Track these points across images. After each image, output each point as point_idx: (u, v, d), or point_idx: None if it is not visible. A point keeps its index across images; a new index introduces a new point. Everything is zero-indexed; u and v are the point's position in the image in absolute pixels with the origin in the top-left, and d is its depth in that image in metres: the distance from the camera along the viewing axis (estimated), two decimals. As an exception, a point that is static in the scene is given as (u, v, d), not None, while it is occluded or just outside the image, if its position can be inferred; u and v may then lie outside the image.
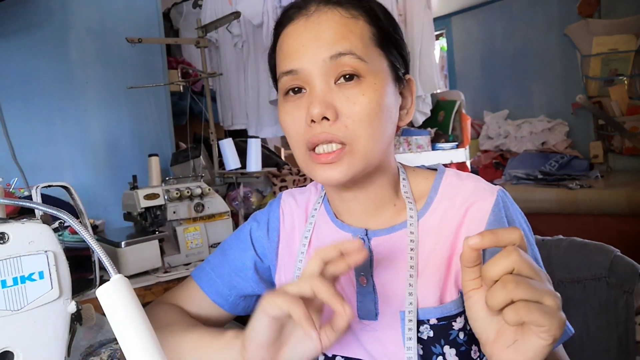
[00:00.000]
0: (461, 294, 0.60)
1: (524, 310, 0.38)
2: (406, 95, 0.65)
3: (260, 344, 0.52)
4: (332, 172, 0.57)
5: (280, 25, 0.62)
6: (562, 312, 0.40)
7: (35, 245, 0.39)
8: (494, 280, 0.40)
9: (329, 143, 0.56)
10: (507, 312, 0.39)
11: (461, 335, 0.59)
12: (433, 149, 3.04)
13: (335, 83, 0.57)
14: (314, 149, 0.58)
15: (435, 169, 0.68)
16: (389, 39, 0.61)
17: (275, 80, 0.65)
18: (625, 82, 3.00)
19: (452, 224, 0.61)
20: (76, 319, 0.42)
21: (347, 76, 0.56)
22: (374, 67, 0.57)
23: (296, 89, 0.59)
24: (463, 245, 0.42)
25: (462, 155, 3.15)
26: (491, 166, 3.65)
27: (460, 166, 3.18)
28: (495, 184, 0.65)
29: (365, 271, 0.63)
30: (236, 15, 1.97)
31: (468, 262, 0.43)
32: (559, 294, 0.40)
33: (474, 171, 3.67)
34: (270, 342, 0.52)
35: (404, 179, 0.67)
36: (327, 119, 0.56)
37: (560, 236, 0.92)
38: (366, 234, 0.64)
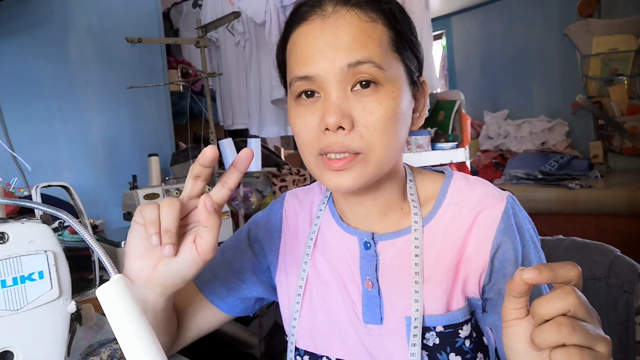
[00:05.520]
0: (468, 302, 0.59)
1: (576, 357, 0.37)
2: (419, 97, 0.63)
3: (135, 255, 0.52)
4: (343, 179, 0.56)
5: (293, 22, 0.59)
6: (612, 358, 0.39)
7: (35, 245, 0.39)
8: (545, 319, 0.38)
9: (343, 153, 0.55)
10: (557, 356, 0.37)
11: (467, 343, 0.58)
12: (433, 148, 3.04)
13: (351, 90, 0.55)
14: (325, 154, 0.56)
15: (443, 172, 0.67)
16: (406, 42, 0.58)
17: (283, 77, 0.63)
18: (625, 82, 3.00)
19: (461, 230, 0.60)
20: (76, 318, 0.42)
21: (363, 82, 0.54)
22: (392, 74, 0.55)
23: (309, 93, 0.57)
24: (515, 275, 0.40)
25: (462, 155, 3.15)
26: (491, 166, 3.65)
27: (460, 166, 3.17)
28: (495, 184, 0.64)
29: (371, 275, 0.62)
30: (236, 15, 1.97)
31: (516, 293, 0.41)
32: (609, 338, 0.39)
33: (474, 171, 3.67)
34: (142, 253, 0.52)
35: (410, 180, 0.65)
36: (343, 128, 0.54)
37: (560, 236, 0.92)
38: (372, 238, 0.63)
